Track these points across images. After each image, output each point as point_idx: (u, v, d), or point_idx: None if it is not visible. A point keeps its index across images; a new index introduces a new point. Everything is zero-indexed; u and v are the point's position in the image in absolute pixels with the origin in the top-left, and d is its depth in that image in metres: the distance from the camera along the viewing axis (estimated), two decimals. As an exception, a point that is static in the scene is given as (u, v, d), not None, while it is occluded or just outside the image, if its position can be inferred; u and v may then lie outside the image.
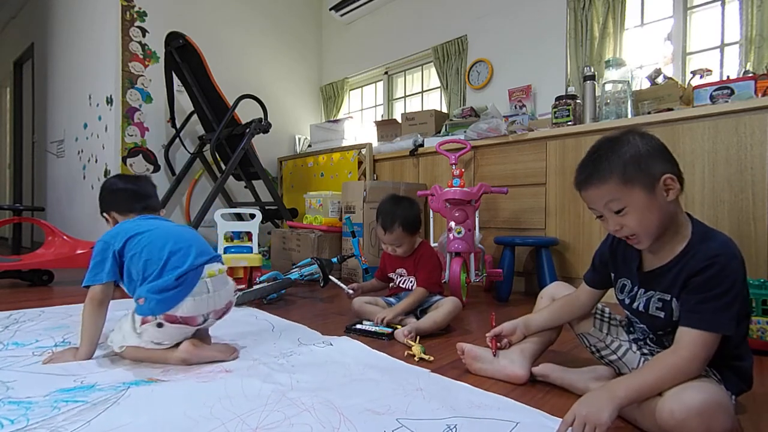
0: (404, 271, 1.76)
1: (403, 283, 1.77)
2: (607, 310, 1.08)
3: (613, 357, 1.02)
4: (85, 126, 3.57)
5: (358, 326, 1.52)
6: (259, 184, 3.53)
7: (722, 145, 1.83)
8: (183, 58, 3.02)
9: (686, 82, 2.33)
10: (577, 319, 1.09)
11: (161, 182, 3.37)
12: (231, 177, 3.35)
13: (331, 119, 4.24)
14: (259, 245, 2.45)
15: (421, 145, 2.95)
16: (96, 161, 3.42)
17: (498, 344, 1.16)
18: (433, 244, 2.15)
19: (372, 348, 1.31)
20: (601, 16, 2.62)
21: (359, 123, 4.23)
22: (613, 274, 1.02)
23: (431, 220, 2.53)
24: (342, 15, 4.13)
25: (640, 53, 2.63)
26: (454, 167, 2.20)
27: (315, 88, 4.52)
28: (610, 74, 2.29)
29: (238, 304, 1.87)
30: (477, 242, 2.23)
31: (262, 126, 2.97)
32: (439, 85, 3.56)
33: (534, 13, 2.95)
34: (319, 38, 4.54)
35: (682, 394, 0.76)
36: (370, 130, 3.81)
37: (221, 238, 2.30)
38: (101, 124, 3.34)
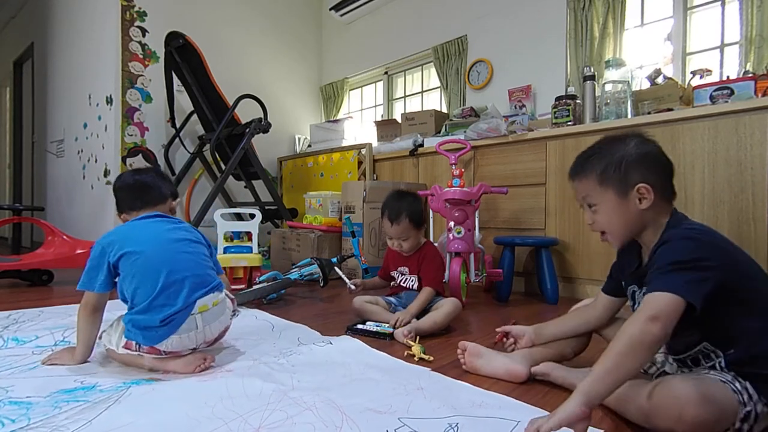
0: (406, 269, 1.76)
1: (404, 282, 1.77)
2: None
3: (653, 369, 0.98)
4: (85, 126, 3.57)
5: (360, 326, 1.52)
6: (259, 184, 3.53)
7: (722, 145, 1.83)
8: (183, 58, 3.02)
9: (686, 83, 2.33)
10: (604, 329, 1.07)
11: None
12: (231, 177, 3.35)
13: (331, 119, 4.24)
14: (258, 245, 2.45)
15: (421, 145, 2.95)
16: (96, 161, 3.41)
17: (504, 339, 1.17)
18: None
19: (372, 348, 1.31)
20: (601, 16, 2.62)
21: (359, 123, 4.23)
22: (624, 282, 1.01)
23: (431, 220, 2.53)
24: (342, 15, 4.13)
25: (640, 53, 2.64)
26: (454, 167, 2.20)
27: (315, 88, 4.52)
28: (610, 74, 2.29)
29: (239, 304, 1.87)
30: (477, 242, 2.23)
31: (262, 126, 2.97)
32: (439, 85, 3.57)
33: (534, 13, 2.95)
34: (319, 38, 4.54)
35: (669, 380, 0.77)
36: (370, 130, 3.81)
37: (221, 238, 2.30)
38: (101, 124, 3.34)
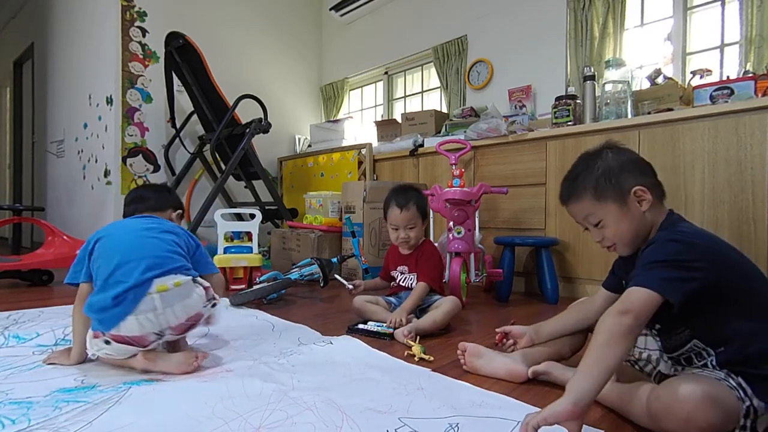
0: (405, 268, 1.76)
1: (403, 282, 1.77)
2: None
3: (649, 367, 0.98)
4: (85, 126, 3.57)
5: (360, 326, 1.53)
6: (259, 184, 3.53)
7: (722, 145, 1.83)
8: (183, 58, 3.02)
9: (686, 82, 2.34)
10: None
11: (161, 182, 3.37)
12: (231, 177, 3.35)
13: (331, 119, 4.24)
14: (259, 245, 2.45)
15: (421, 145, 2.95)
16: (96, 161, 3.42)
17: (504, 340, 1.17)
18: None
19: (372, 348, 1.31)
20: (601, 16, 2.62)
21: (359, 123, 4.23)
22: (624, 282, 1.02)
23: (431, 220, 2.53)
24: (342, 15, 4.13)
25: (640, 53, 2.64)
26: (454, 167, 2.20)
27: (315, 88, 4.52)
28: (610, 74, 2.29)
29: (238, 304, 1.87)
30: (477, 242, 2.23)
31: (262, 126, 2.98)
32: (439, 85, 3.57)
33: (534, 13, 2.96)
34: (319, 38, 4.55)
35: (674, 383, 0.77)
36: (370, 130, 3.81)
37: (221, 238, 2.30)
38: (101, 124, 3.34)
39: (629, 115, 2.21)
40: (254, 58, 3.96)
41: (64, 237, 2.52)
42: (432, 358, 1.23)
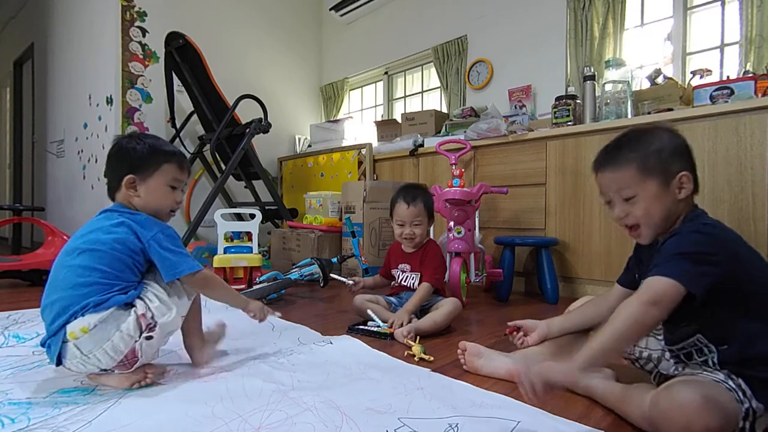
0: (408, 267, 1.75)
1: (404, 281, 1.76)
2: None
3: (650, 365, 0.98)
4: (85, 126, 3.57)
5: (361, 326, 1.52)
6: (259, 184, 3.53)
7: (722, 145, 1.83)
8: (183, 58, 3.02)
9: (686, 82, 2.33)
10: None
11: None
12: (231, 177, 3.35)
13: (331, 119, 4.24)
14: (259, 245, 2.45)
15: (421, 145, 2.95)
16: (96, 161, 3.42)
17: (514, 333, 1.17)
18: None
19: (372, 348, 1.31)
20: (601, 16, 2.62)
21: (359, 123, 4.23)
22: (637, 275, 1.01)
23: (431, 220, 2.53)
24: (342, 15, 4.14)
25: (640, 53, 2.63)
26: (454, 167, 2.20)
27: (315, 88, 4.52)
28: (610, 74, 2.29)
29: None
30: (477, 242, 2.23)
31: (262, 126, 2.97)
32: (439, 85, 3.56)
33: (534, 13, 2.96)
34: (319, 38, 4.54)
35: (673, 387, 0.77)
36: (370, 130, 3.81)
37: (221, 238, 2.30)
38: (101, 124, 3.34)
39: (629, 115, 2.21)
40: (254, 58, 3.97)
41: (64, 237, 2.52)
42: (432, 358, 1.23)
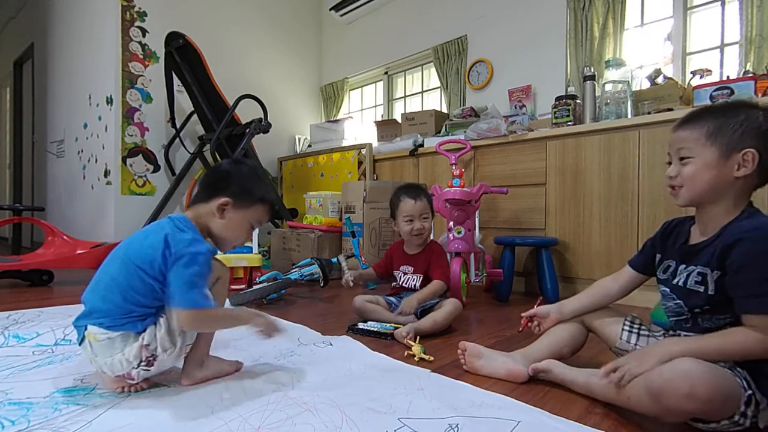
0: (411, 268, 1.75)
1: (406, 282, 1.76)
2: (637, 320, 1.06)
3: None
4: (85, 126, 3.57)
5: (361, 326, 1.52)
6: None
7: (722, 145, 1.82)
8: (183, 58, 3.02)
9: (686, 82, 2.34)
10: (605, 327, 1.08)
11: (161, 182, 3.37)
12: (231, 177, 3.34)
13: (331, 119, 4.24)
14: (259, 245, 2.45)
15: (421, 145, 2.95)
16: (96, 161, 3.42)
17: (529, 324, 1.17)
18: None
19: (372, 348, 1.31)
20: (601, 16, 2.62)
21: (359, 123, 4.23)
22: (659, 256, 1.01)
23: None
24: (342, 15, 4.14)
25: (640, 53, 2.64)
26: (454, 167, 2.20)
27: (315, 88, 4.52)
28: (610, 74, 2.29)
29: (239, 305, 1.87)
30: (477, 242, 2.23)
31: (262, 126, 2.97)
32: (439, 85, 3.57)
33: (534, 13, 2.96)
34: (319, 38, 4.54)
35: (677, 361, 0.78)
36: (370, 130, 3.81)
37: (221, 238, 2.30)
38: (101, 124, 3.34)
39: (629, 115, 2.21)
40: (254, 58, 3.97)
41: (64, 237, 2.52)
42: (432, 359, 1.23)
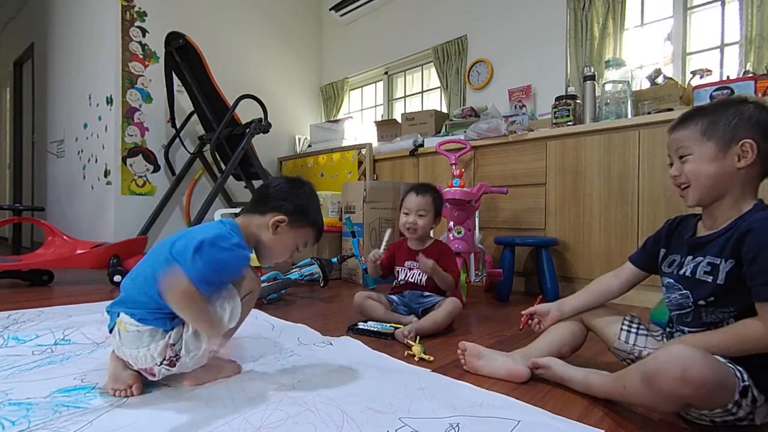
0: (415, 264, 1.72)
1: (411, 277, 1.73)
2: (636, 320, 1.06)
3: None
4: (85, 126, 3.57)
5: (361, 326, 1.52)
6: (259, 184, 3.53)
7: (722, 145, 1.82)
8: (183, 58, 3.02)
9: (686, 82, 2.34)
10: (604, 327, 1.08)
11: (161, 182, 3.37)
12: (231, 177, 3.35)
13: (331, 119, 4.24)
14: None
15: (421, 145, 2.95)
16: (96, 161, 3.41)
17: (529, 322, 1.17)
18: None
19: (372, 348, 1.31)
20: (601, 16, 2.62)
21: (359, 123, 4.23)
22: (663, 251, 1.01)
23: (431, 220, 2.53)
24: (342, 15, 4.14)
25: (640, 53, 2.64)
26: (454, 167, 2.20)
27: (315, 88, 4.52)
28: (610, 74, 2.29)
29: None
30: (477, 242, 2.23)
31: (262, 126, 2.97)
32: (439, 85, 3.57)
33: (534, 13, 2.96)
34: (319, 38, 4.55)
35: (671, 345, 0.79)
36: (370, 130, 3.81)
37: (221, 238, 2.30)
38: (101, 124, 3.34)
39: (629, 115, 2.21)
40: (254, 58, 3.96)
41: (64, 237, 2.52)
42: (432, 358, 1.23)
